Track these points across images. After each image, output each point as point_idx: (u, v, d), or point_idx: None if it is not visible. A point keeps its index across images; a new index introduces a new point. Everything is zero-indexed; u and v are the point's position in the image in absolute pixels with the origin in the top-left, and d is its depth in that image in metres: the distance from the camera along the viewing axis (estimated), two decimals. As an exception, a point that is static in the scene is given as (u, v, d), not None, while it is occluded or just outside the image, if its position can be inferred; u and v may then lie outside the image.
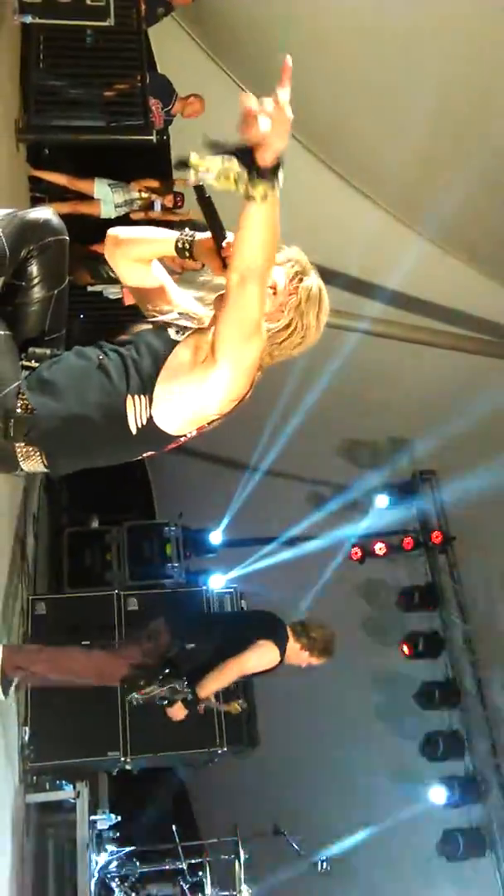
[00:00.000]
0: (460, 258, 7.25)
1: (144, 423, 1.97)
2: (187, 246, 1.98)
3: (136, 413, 1.97)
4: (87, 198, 7.14)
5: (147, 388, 1.97)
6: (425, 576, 9.18)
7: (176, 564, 8.27)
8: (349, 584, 9.56)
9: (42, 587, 7.65)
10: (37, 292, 2.02)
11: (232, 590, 7.28)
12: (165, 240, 2.02)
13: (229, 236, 1.91)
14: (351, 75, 6.56)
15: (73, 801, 5.69)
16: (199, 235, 1.98)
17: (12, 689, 4.80)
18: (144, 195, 7.21)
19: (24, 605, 6.38)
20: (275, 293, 2.02)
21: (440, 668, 8.85)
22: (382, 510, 9.30)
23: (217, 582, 8.07)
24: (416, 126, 6.32)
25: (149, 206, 7.27)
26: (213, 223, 1.91)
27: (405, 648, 8.82)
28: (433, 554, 9.21)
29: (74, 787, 5.74)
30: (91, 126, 6.69)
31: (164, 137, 7.25)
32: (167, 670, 4.52)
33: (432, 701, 8.60)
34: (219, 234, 1.92)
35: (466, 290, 7.44)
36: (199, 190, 1.88)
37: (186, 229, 2.01)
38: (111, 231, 2.07)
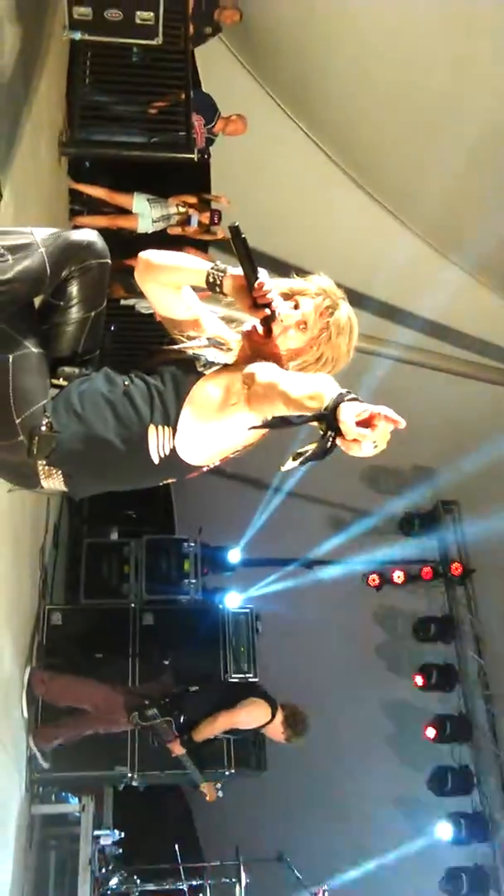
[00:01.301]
0: (494, 290, 7.21)
1: (167, 453, 1.98)
2: (218, 281, 1.97)
3: (158, 443, 1.97)
4: (125, 211, 7.19)
5: (170, 419, 1.97)
6: (443, 607, 9.09)
7: (193, 581, 8.23)
8: (366, 610, 9.49)
9: (58, 596, 7.65)
10: (74, 313, 2.02)
11: (248, 609, 7.24)
12: (197, 270, 2.01)
13: (261, 275, 1.91)
14: (393, 101, 6.57)
15: (77, 814, 5.66)
16: (231, 270, 1.97)
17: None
18: (182, 209, 7.25)
19: (40, 613, 6.38)
20: (305, 328, 2.01)
21: (453, 701, 8.74)
22: (403, 538, 9.24)
23: (233, 601, 8.03)
24: (454, 157, 6.30)
25: (186, 221, 7.30)
26: (247, 264, 1.91)
27: (419, 679, 8.72)
28: (452, 585, 9.12)
29: (80, 801, 5.71)
30: (134, 142, 6.75)
31: (206, 156, 7.30)
32: (167, 700, 5.17)
33: (443, 735, 8.48)
34: (251, 275, 1.91)
35: (499, 322, 7.39)
36: (235, 230, 1.89)
37: (218, 263, 1.99)
38: (143, 254, 2.06)
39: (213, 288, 1.98)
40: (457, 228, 7.00)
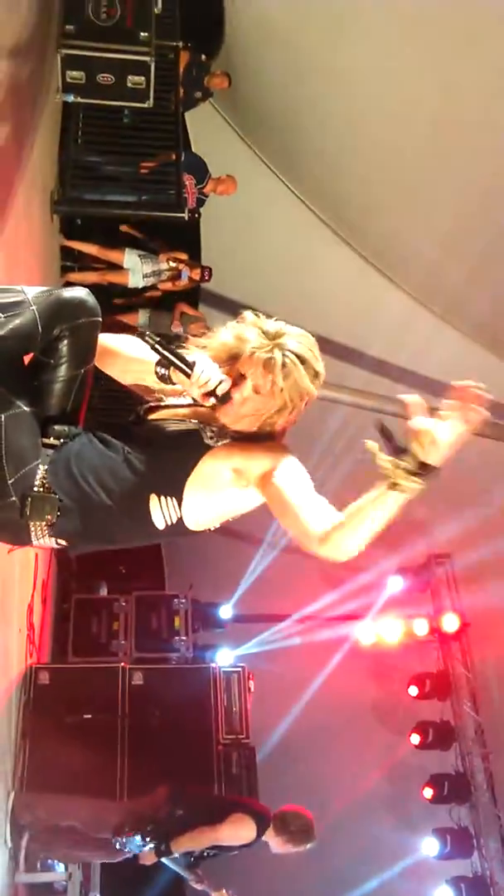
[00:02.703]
0: (484, 344, 7.26)
1: (174, 522, 1.99)
2: (166, 374, 2.02)
3: (163, 512, 1.98)
4: (116, 267, 7.27)
5: (176, 490, 1.98)
6: (437, 662, 8.97)
7: (184, 638, 8.09)
8: (360, 667, 9.35)
9: (45, 654, 7.50)
10: (63, 371, 2.00)
11: (240, 668, 7.09)
12: (147, 361, 2.06)
13: (197, 365, 1.95)
14: (380, 161, 6.70)
15: (64, 883, 5.49)
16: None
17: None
18: (172, 265, 7.33)
19: (27, 673, 6.24)
20: (258, 392, 1.99)
21: (450, 759, 8.56)
22: (396, 593, 9.15)
23: (225, 658, 7.89)
24: (441, 213, 6.41)
25: (176, 276, 7.38)
26: (178, 363, 1.96)
27: (415, 738, 8.55)
28: (446, 641, 9.02)
29: (66, 869, 5.53)
30: (125, 201, 6.84)
31: (196, 216, 7.41)
32: (150, 827, 4.95)
33: (441, 795, 8.29)
34: (186, 371, 1.96)
35: (491, 376, 7.42)
36: (147, 339, 1.97)
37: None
38: (100, 339, 2.09)
39: (163, 380, 2.03)
40: (442, 283, 7.07)
